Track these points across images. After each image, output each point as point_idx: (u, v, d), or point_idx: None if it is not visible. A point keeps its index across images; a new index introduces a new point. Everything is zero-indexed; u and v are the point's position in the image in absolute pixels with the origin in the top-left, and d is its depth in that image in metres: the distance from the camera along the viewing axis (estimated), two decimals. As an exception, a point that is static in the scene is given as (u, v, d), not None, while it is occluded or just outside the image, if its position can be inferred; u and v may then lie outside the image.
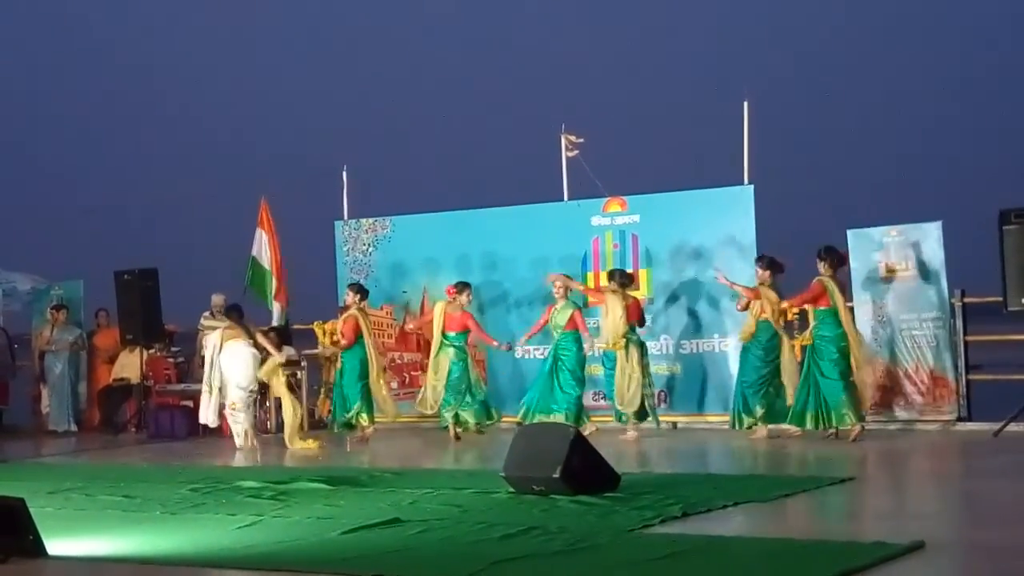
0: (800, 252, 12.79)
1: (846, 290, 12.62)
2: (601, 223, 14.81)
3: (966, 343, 13.21)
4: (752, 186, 13.94)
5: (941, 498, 8.97)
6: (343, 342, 14.14)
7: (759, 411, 12.69)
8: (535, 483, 8.75)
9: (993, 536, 7.10)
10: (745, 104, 13.91)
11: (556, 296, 13.67)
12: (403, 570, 6.56)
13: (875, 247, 13.44)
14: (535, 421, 12.89)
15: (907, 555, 6.43)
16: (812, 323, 12.45)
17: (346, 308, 14.57)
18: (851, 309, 13.29)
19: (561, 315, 13.57)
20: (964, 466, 10.90)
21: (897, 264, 13.34)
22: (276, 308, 16.35)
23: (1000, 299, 12.27)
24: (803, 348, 12.58)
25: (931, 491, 9.23)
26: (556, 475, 8.60)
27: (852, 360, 12.21)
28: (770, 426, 12.68)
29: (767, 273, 12.77)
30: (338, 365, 14.42)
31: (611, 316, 13.22)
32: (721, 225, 14.02)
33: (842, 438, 12.14)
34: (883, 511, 8.32)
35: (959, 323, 13.20)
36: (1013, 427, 12.08)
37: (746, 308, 12.87)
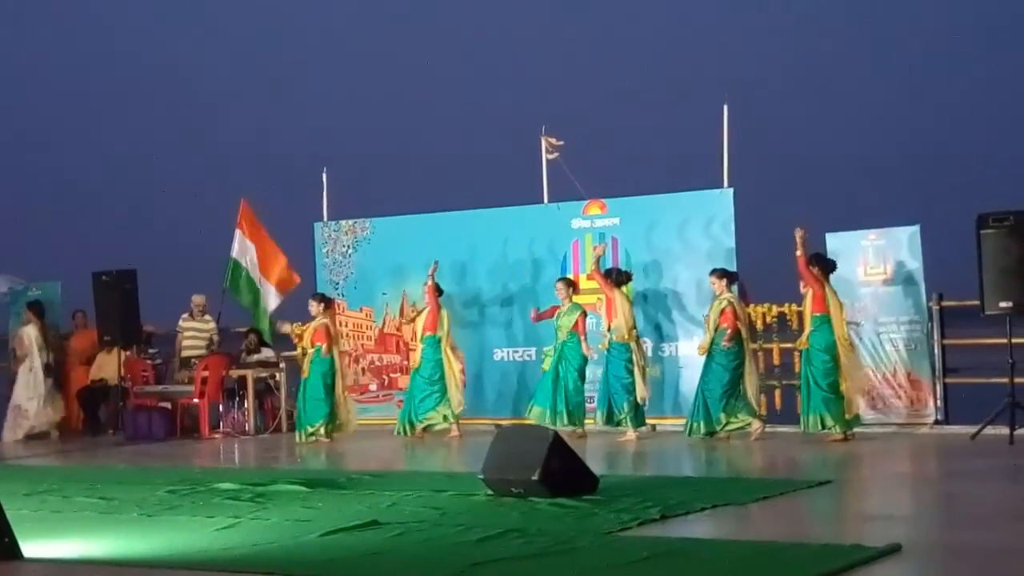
0: (779, 256, 12.82)
1: (836, 296, 12.69)
2: (581, 225, 14.82)
3: (943, 347, 13.27)
4: (731, 189, 13.98)
5: (918, 501, 9.01)
6: (312, 348, 14.20)
7: (723, 419, 12.78)
8: (514, 485, 8.75)
9: (970, 539, 7.13)
10: (725, 108, 13.94)
11: (560, 298, 13.79)
12: (381, 573, 6.55)
13: (853, 251, 13.48)
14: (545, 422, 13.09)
15: (884, 558, 6.45)
16: (808, 328, 12.58)
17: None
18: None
19: (567, 317, 13.66)
20: (941, 469, 10.95)
21: (875, 268, 13.39)
22: (275, 298, 16.29)
23: (977, 303, 12.32)
24: (800, 352, 12.79)
25: (908, 494, 9.27)
26: (535, 477, 8.60)
27: (841, 368, 12.38)
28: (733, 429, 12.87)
29: (724, 283, 12.93)
30: (305, 373, 14.37)
31: (621, 311, 13.29)
32: (701, 228, 14.05)
33: (818, 440, 12.30)
34: (861, 514, 8.35)
35: (936, 327, 13.27)
36: (990, 430, 12.12)
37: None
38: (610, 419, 13.42)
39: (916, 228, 13.32)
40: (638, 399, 13.28)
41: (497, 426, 13.17)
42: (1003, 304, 12.04)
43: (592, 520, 7.83)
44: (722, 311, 12.85)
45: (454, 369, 14.20)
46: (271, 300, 16.35)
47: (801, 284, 12.73)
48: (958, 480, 9.94)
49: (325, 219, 16.35)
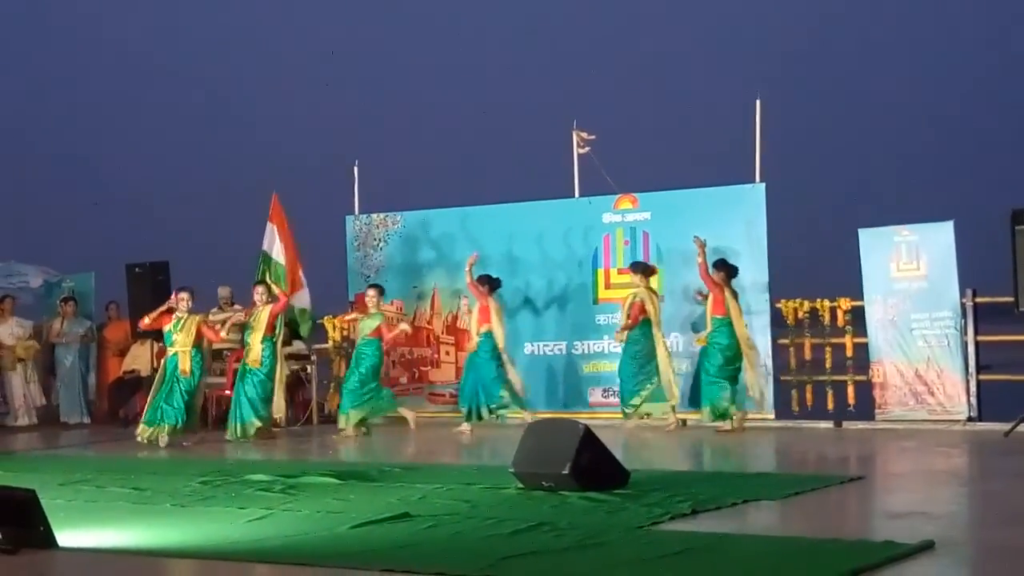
0: (811, 250, 12.83)
1: (738, 298, 13.27)
2: (612, 220, 14.81)
3: (977, 343, 13.19)
4: (763, 184, 13.93)
5: (951, 498, 8.95)
6: (192, 347, 13.82)
7: (637, 401, 13.53)
8: (544, 479, 8.75)
9: (1003, 536, 7.09)
10: (758, 102, 13.91)
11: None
12: (412, 565, 6.56)
13: (886, 247, 13.43)
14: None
15: (917, 555, 6.42)
16: (709, 329, 13.22)
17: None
18: (856, 308, 13.42)
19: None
20: (974, 466, 10.88)
21: (908, 264, 13.33)
22: (305, 299, 16.07)
23: (1011, 299, 12.25)
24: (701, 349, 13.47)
25: (941, 491, 9.21)
26: (566, 471, 8.60)
27: (744, 361, 13.13)
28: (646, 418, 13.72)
29: (639, 278, 13.61)
30: (188, 372, 13.83)
31: (497, 318, 14.07)
32: (732, 223, 14.01)
33: (721, 432, 13.00)
34: (892, 510, 8.31)
35: (970, 323, 13.19)
36: (1023, 428, 12.04)
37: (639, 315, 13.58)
38: (480, 416, 14.03)
39: (950, 224, 13.25)
40: (517, 391, 13.97)
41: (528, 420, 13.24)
42: (1037, 301, 11.95)
43: (623, 514, 7.83)
44: (631, 304, 13.53)
45: (283, 373, 14.48)
46: (305, 299, 16.11)
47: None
48: (991, 478, 9.89)
49: (357, 212, 16.40)
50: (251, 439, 13.87)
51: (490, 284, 14.16)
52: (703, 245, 13.22)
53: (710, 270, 13.26)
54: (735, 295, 13.28)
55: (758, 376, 13.38)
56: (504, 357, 14.04)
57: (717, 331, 13.17)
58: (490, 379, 13.93)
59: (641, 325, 13.50)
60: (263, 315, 14.20)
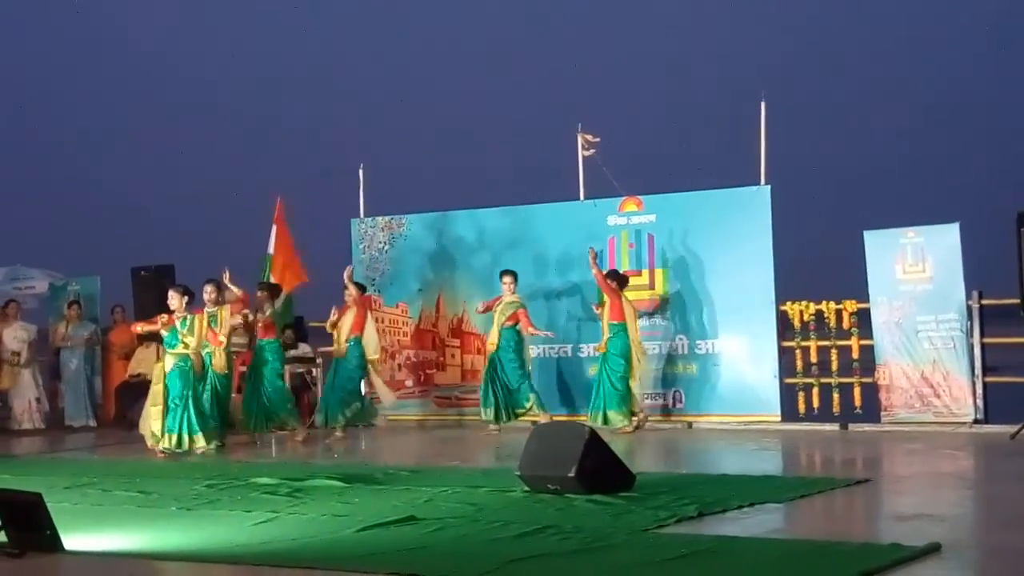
0: (816, 252, 12.78)
1: (631, 306, 13.77)
2: (617, 222, 14.81)
3: (983, 345, 13.17)
4: (769, 187, 13.93)
5: (957, 500, 8.94)
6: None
7: (530, 402, 14.04)
8: (550, 482, 8.75)
9: (1010, 539, 7.08)
10: (762, 104, 13.90)
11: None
12: (418, 568, 6.57)
13: (892, 249, 13.41)
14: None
15: (923, 557, 6.41)
16: (607, 335, 13.65)
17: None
18: (861, 310, 13.40)
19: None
20: (980, 469, 10.86)
21: (914, 266, 13.32)
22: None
23: (1017, 301, 12.23)
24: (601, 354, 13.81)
25: (947, 493, 9.20)
26: (571, 474, 8.60)
27: (632, 368, 13.61)
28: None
29: (513, 284, 14.17)
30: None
31: (371, 327, 14.59)
32: (737, 226, 14.01)
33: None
34: (899, 513, 8.30)
35: (976, 325, 13.17)
36: (1030, 430, 12.02)
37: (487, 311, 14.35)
38: (329, 419, 14.37)
39: (956, 226, 13.23)
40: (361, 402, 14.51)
41: (534, 423, 13.24)
42: (1044, 303, 11.94)
43: (629, 517, 7.83)
44: (513, 313, 14.10)
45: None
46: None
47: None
48: (997, 480, 9.87)
49: (362, 215, 16.40)
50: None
51: (364, 289, 14.69)
52: (595, 256, 13.76)
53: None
54: (630, 302, 13.76)
55: (643, 381, 13.89)
56: (369, 367, 14.45)
57: (615, 337, 13.61)
58: (347, 389, 14.31)
59: (516, 331, 14.10)
60: (226, 318, 13.77)
